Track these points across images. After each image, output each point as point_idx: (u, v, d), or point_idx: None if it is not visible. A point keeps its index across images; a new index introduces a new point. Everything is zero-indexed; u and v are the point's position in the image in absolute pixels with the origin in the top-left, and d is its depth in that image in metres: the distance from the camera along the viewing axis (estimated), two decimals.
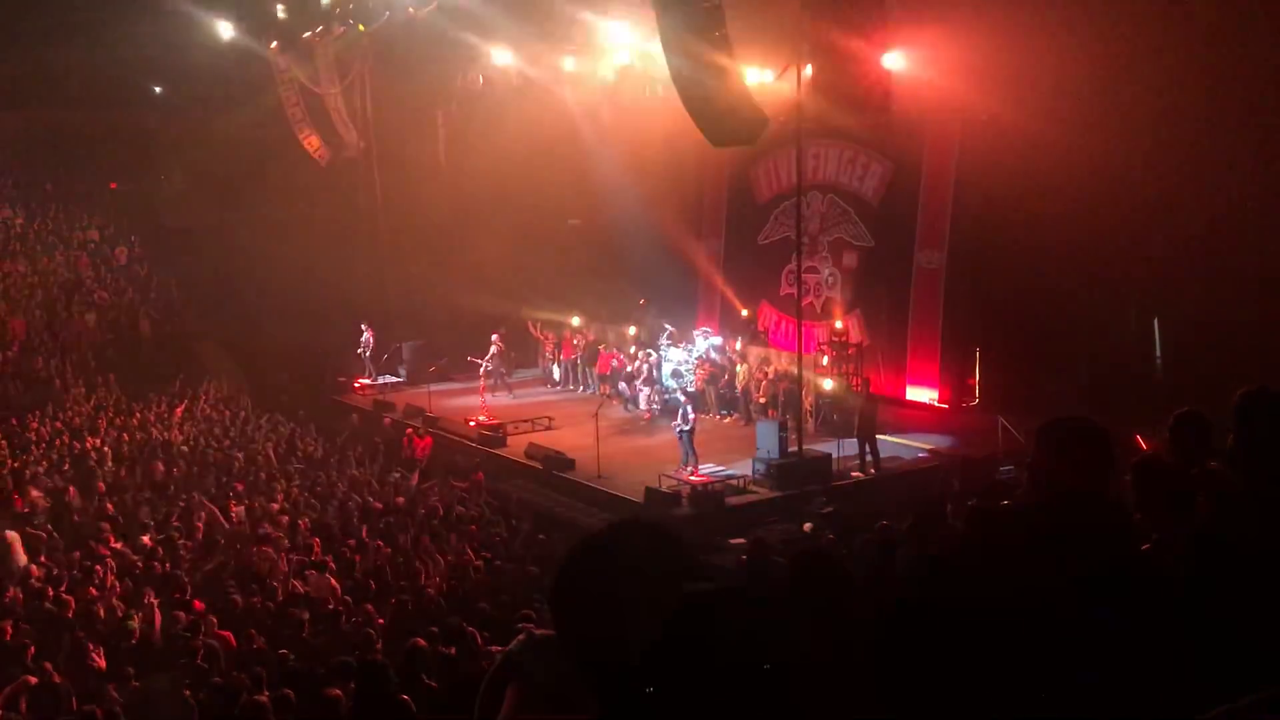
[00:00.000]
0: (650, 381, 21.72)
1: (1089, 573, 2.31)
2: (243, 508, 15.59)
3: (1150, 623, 2.30)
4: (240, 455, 18.52)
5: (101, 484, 16.67)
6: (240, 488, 16.63)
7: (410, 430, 20.55)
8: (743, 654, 1.61)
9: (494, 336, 23.82)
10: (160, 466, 17.75)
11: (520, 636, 2.06)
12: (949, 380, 20.05)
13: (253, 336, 26.41)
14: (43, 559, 13.07)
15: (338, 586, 12.07)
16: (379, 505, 15.87)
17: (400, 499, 16.23)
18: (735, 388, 21.38)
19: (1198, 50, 14.85)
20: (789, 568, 5.11)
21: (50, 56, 28.84)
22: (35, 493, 15.40)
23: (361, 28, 24.94)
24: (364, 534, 14.41)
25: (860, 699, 2.29)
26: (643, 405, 21.51)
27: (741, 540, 13.47)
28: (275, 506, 15.55)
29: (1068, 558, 2.35)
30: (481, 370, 23.26)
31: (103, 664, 9.57)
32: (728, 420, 21.20)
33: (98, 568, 12.32)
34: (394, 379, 25.44)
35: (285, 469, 18.06)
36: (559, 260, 26.24)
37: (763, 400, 20.60)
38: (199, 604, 11.46)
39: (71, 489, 16.08)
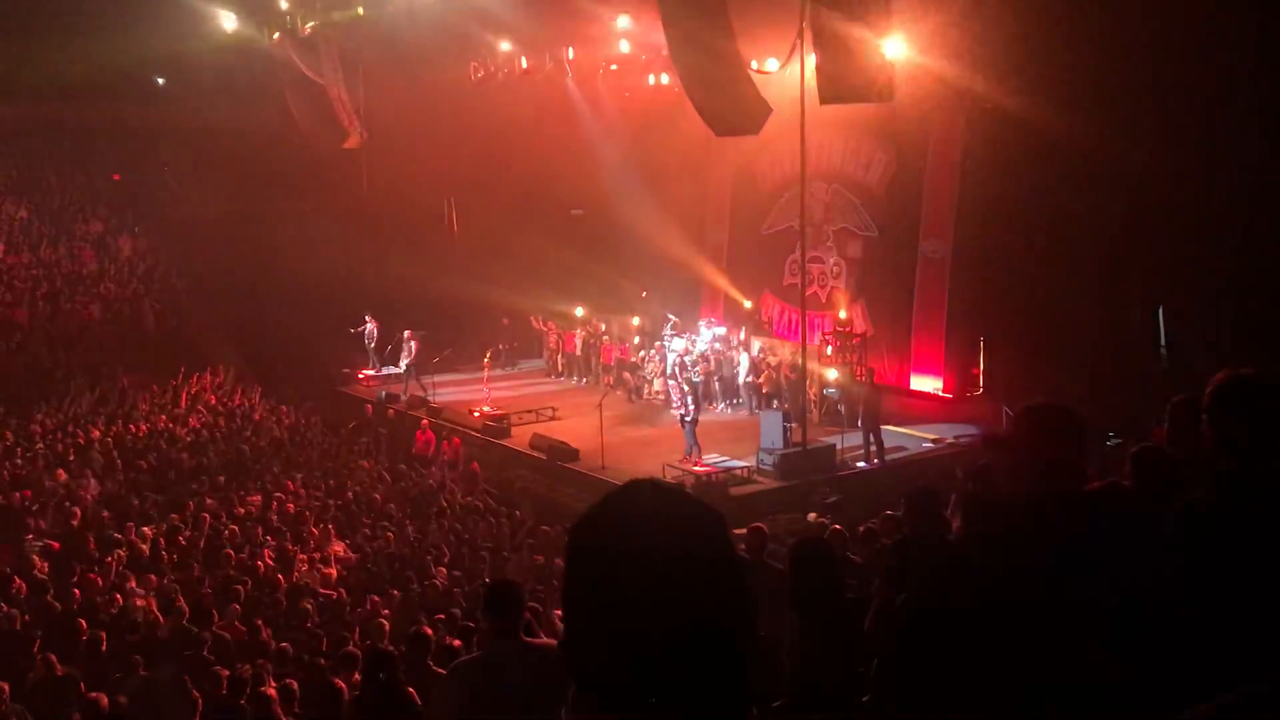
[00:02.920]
0: (666, 373, 21.72)
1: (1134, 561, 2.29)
2: (250, 498, 15.66)
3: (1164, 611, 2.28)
4: (246, 447, 18.57)
5: (107, 475, 16.72)
6: (247, 479, 16.69)
7: (426, 422, 20.44)
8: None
9: (406, 333, 23.95)
10: (166, 457, 17.81)
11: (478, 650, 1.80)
12: (953, 370, 20.02)
13: (257, 327, 26.44)
14: (42, 544, 13.13)
15: (334, 574, 12.11)
16: (382, 496, 15.93)
17: (406, 489, 16.29)
18: (739, 378, 21.37)
19: (1204, 38, 14.78)
20: (788, 558, 5.12)
21: (52, 48, 28.79)
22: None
23: (360, 10, 24.84)
24: (370, 525, 14.47)
25: (856, 686, 2.26)
26: (675, 400, 21.14)
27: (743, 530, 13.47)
28: (282, 497, 15.61)
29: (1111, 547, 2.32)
30: (403, 368, 23.62)
31: (108, 654, 9.61)
32: (731, 411, 21.20)
33: (108, 559, 12.38)
34: (397, 370, 25.47)
35: (292, 459, 18.11)
36: (562, 250, 26.23)
37: (766, 391, 20.60)
38: (206, 594, 11.51)
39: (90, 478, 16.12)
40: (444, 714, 4.51)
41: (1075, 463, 2.59)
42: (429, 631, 7.88)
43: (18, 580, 11.36)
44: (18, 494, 15.19)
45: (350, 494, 15.97)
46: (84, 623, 10.05)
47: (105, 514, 14.83)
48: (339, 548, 13.59)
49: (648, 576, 1.37)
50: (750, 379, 21.11)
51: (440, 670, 7.17)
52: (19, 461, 17.20)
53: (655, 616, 1.36)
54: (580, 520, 1.46)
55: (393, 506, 15.50)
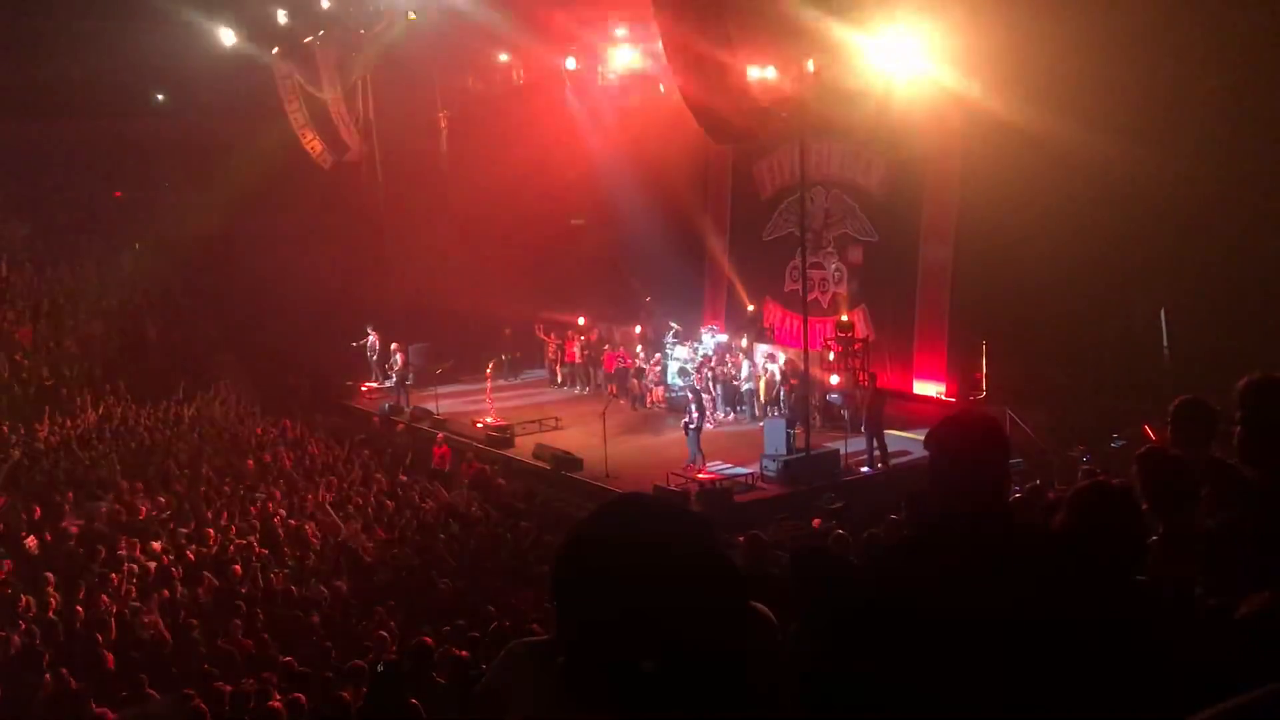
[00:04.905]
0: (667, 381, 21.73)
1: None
2: (255, 511, 15.65)
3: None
4: (251, 461, 18.55)
5: (112, 492, 16.71)
6: (253, 492, 16.67)
7: (442, 436, 20.25)
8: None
9: (393, 346, 24.25)
10: (169, 473, 17.79)
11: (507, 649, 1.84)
12: (956, 374, 19.99)
13: (259, 342, 26.46)
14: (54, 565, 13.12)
15: (343, 588, 12.10)
16: (390, 506, 15.93)
17: (413, 501, 16.27)
18: (741, 385, 21.35)
19: (1203, 39, 14.78)
20: (790, 563, 5.11)
21: (53, 65, 28.88)
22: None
23: (363, 31, 24.97)
24: (377, 536, 14.46)
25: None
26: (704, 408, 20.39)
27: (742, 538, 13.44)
28: (285, 511, 15.61)
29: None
30: (394, 378, 24.01)
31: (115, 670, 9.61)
32: (734, 418, 21.18)
33: (113, 575, 12.37)
34: (391, 383, 25.44)
35: (297, 473, 18.08)
36: (563, 260, 26.25)
37: (768, 397, 20.58)
38: (212, 609, 11.51)
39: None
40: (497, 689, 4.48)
41: (993, 478, 2.49)
42: (430, 642, 7.86)
43: (25, 598, 11.37)
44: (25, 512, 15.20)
45: (353, 505, 15.96)
46: (100, 638, 10.07)
47: (113, 529, 14.81)
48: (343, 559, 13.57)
49: (640, 584, 1.39)
50: (753, 386, 21.08)
51: (442, 680, 7.17)
52: (36, 477, 17.25)
53: (650, 623, 1.37)
54: (570, 533, 1.50)
55: (397, 517, 15.48)
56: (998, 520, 2.39)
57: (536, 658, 1.64)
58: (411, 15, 23.67)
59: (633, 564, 1.41)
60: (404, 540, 14.37)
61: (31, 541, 13.82)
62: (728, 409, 21.36)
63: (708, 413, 20.51)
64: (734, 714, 1.42)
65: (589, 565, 1.46)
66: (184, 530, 14.77)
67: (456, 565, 13.19)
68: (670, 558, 1.42)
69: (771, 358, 21.31)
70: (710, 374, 21.25)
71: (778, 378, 20.70)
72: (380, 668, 7.22)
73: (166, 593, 12.01)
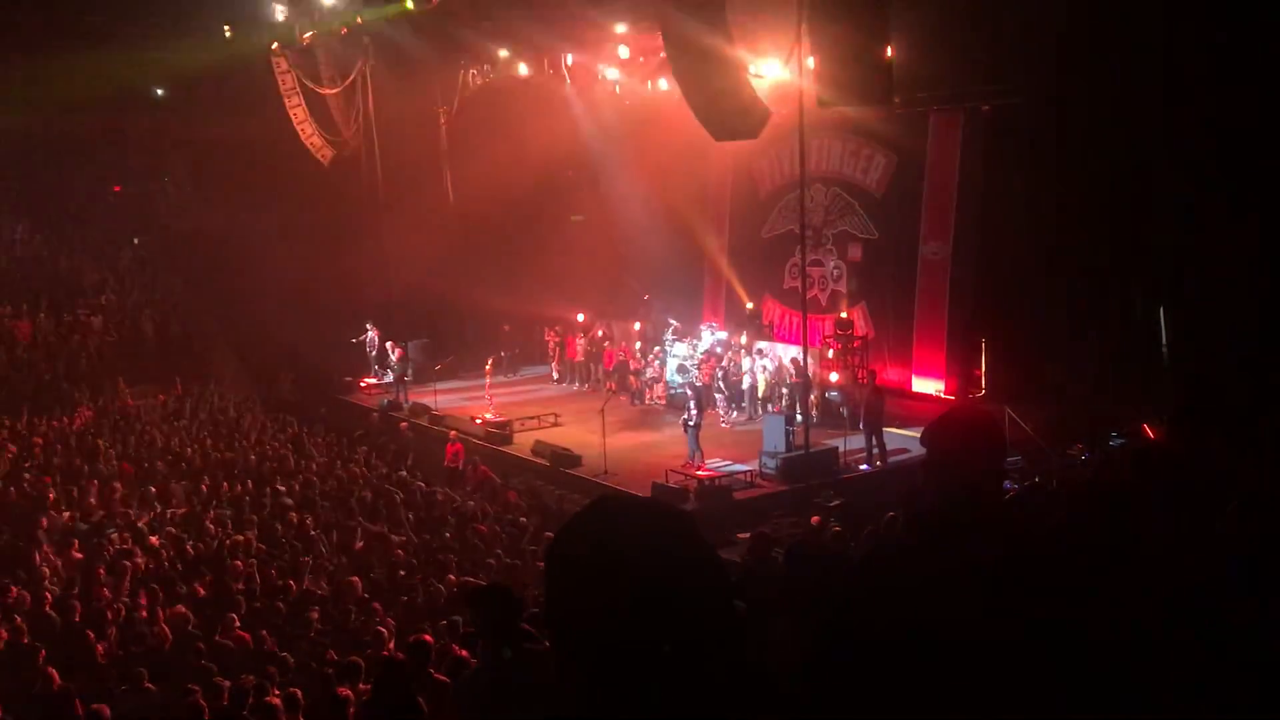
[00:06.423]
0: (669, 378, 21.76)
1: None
2: (256, 506, 15.65)
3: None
4: (253, 456, 18.55)
5: (112, 486, 16.71)
6: (252, 487, 16.66)
7: (454, 434, 20.15)
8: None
9: (389, 344, 24.33)
10: (168, 468, 17.79)
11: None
12: (955, 371, 19.99)
13: (258, 337, 26.45)
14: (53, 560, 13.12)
15: (359, 583, 12.09)
16: (389, 502, 15.92)
17: (410, 498, 16.27)
18: (741, 382, 21.34)
19: (1203, 38, 14.76)
20: (785, 561, 5.11)
21: (51, 60, 28.84)
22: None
23: (360, 20, 24.88)
24: (375, 532, 14.45)
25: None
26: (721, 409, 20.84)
27: (746, 535, 13.44)
28: (290, 503, 15.60)
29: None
30: (392, 375, 24.05)
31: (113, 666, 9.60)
32: (734, 415, 21.17)
33: (114, 570, 12.36)
34: (389, 379, 25.44)
35: (295, 468, 18.08)
36: (562, 256, 26.24)
37: (768, 395, 20.57)
38: (211, 604, 11.49)
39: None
40: None
41: (987, 475, 2.50)
42: (429, 639, 7.85)
43: (15, 590, 11.36)
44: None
45: (354, 502, 15.95)
46: (91, 634, 10.05)
47: (110, 524, 14.80)
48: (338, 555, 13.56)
49: (625, 581, 1.41)
50: (753, 383, 21.06)
51: (442, 678, 7.16)
52: (25, 473, 17.21)
53: (638, 617, 1.40)
54: (557, 534, 1.52)
55: (398, 512, 15.48)
56: (992, 517, 2.40)
57: (477, 687, 1.67)
58: (409, 4, 23.60)
59: (613, 565, 1.43)
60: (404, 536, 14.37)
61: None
62: (730, 405, 21.34)
63: (721, 412, 20.56)
64: (729, 706, 1.42)
65: (570, 572, 1.48)
66: (181, 526, 14.77)
67: (457, 561, 13.17)
68: (651, 553, 1.44)
69: (760, 353, 21.31)
70: (722, 370, 21.23)
71: (769, 368, 20.76)
72: (385, 665, 7.20)
73: (160, 590, 12.00)
